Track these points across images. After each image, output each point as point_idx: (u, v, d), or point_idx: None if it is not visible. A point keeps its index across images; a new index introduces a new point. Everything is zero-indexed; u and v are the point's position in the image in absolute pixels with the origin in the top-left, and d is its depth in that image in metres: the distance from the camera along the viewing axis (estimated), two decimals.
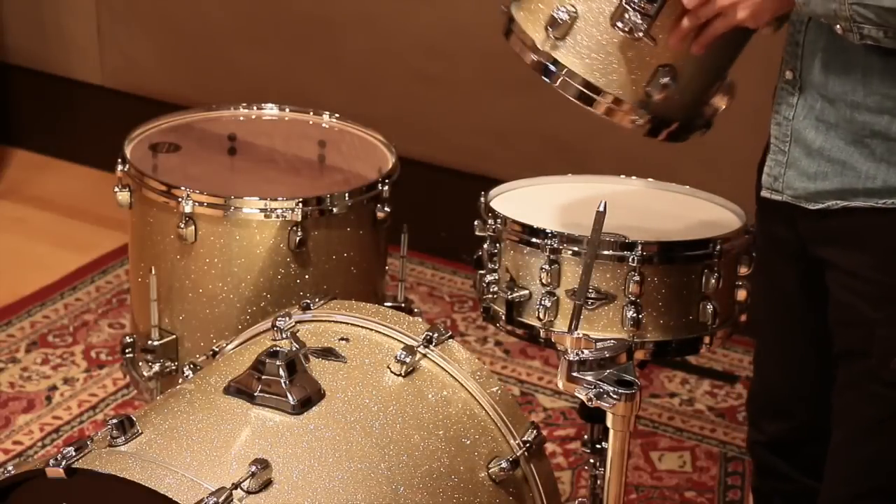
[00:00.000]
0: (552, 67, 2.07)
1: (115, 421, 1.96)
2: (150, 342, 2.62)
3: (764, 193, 2.09)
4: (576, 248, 2.26)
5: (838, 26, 1.90)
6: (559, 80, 2.07)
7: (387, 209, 2.66)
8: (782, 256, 2.18)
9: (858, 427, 2.10)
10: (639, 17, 1.98)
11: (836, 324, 2.09)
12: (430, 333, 2.24)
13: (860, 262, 2.02)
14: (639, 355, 2.30)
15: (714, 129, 2.20)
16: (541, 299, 2.28)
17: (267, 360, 2.06)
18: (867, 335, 2.03)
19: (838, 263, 2.04)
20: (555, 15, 2.04)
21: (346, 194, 2.60)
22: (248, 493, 1.88)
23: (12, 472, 1.98)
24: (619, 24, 2.00)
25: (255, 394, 2.05)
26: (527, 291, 2.31)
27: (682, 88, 2.08)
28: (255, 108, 2.96)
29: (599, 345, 1.81)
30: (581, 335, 1.83)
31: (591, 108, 2.08)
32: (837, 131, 1.99)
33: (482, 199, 2.42)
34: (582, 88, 2.06)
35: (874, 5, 1.85)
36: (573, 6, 2.04)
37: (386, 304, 2.62)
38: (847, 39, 1.90)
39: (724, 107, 2.17)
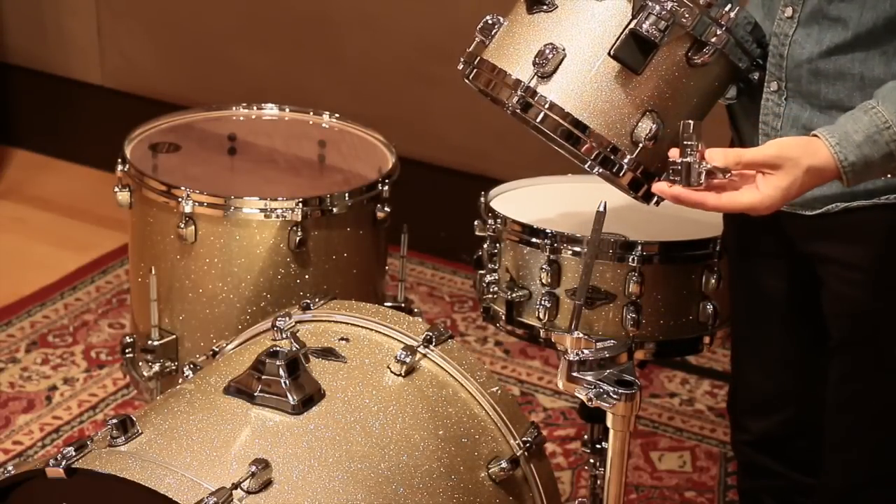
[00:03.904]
0: (534, 103, 1.97)
1: (115, 421, 1.96)
2: (150, 342, 2.62)
3: None
4: (576, 248, 2.26)
5: None
6: (540, 115, 1.97)
7: (387, 209, 2.66)
8: (764, 255, 2.17)
9: (864, 416, 2.09)
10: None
11: (834, 316, 2.09)
12: (430, 333, 2.24)
13: (860, 255, 2.02)
14: (639, 355, 2.31)
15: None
16: (541, 299, 2.28)
17: (267, 360, 2.06)
18: (870, 325, 2.03)
19: (837, 257, 2.04)
20: (542, 51, 1.96)
21: (346, 194, 2.61)
22: (248, 493, 1.88)
23: (12, 472, 1.98)
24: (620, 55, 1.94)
25: (255, 394, 2.05)
26: (527, 291, 2.31)
27: (665, 138, 1.99)
28: (255, 108, 2.96)
29: (599, 345, 1.82)
30: (581, 335, 1.83)
31: (575, 147, 1.98)
32: None
33: (482, 199, 2.42)
34: (568, 125, 1.96)
35: None
36: (561, 43, 1.96)
37: (386, 304, 2.62)
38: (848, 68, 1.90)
39: None
